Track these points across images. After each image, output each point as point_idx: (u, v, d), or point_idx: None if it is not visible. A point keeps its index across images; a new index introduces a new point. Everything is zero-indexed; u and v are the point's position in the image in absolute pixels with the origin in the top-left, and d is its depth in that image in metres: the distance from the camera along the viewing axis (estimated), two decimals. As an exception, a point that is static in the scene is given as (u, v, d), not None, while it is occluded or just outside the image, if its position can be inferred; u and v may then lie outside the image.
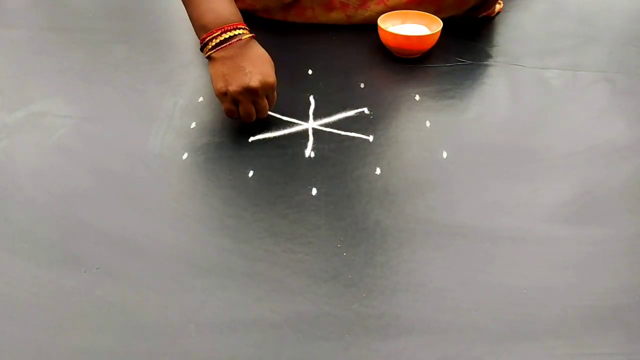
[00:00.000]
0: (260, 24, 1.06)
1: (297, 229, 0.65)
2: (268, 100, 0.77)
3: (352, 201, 0.69)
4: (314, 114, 0.84)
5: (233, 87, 0.73)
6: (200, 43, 0.75)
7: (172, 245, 0.63)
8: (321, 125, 0.81)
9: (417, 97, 0.87)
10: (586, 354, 0.53)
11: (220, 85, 0.74)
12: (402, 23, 0.99)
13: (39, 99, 0.87)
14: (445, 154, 0.76)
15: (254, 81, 0.72)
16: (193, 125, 0.81)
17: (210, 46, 0.74)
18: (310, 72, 0.94)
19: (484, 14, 1.08)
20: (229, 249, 0.63)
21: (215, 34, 0.73)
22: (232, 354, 0.53)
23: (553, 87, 0.90)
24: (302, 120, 0.82)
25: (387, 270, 0.60)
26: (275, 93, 0.78)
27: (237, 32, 0.74)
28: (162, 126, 0.81)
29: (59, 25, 1.10)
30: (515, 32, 1.07)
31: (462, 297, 0.58)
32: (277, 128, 0.81)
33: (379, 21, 0.97)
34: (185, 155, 0.75)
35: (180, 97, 0.87)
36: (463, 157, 0.75)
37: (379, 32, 0.97)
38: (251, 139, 0.79)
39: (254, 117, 0.77)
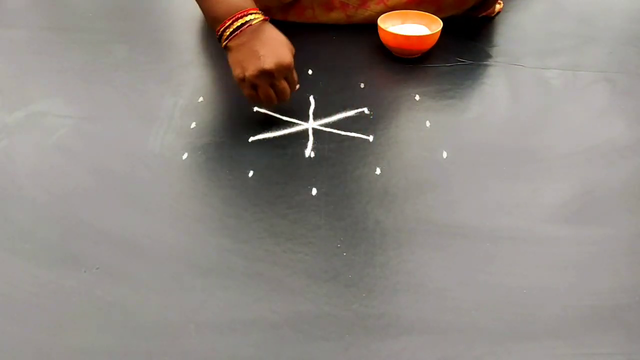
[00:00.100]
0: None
1: (297, 229, 0.65)
2: (288, 82, 0.77)
3: (352, 201, 0.69)
4: (314, 114, 0.84)
5: (249, 72, 0.73)
6: (216, 36, 0.76)
7: (172, 245, 0.63)
8: (321, 125, 0.81)
9: (417, 97, 0.87)
10: (586, 354, 0.53)
11: (238, 71, 0.74)
12: (402, 23, 0.99)
13: (39, 99, 0.87)
14: (445, 154, 0.76)
15: (268, 64, 0.72)
16: (193, 125, 0.81)
17: (224, 36, 0.75)
18: (310, 72, 0.94)
19: (484, 14, 1.08)
20: (229, 249, 0.63)
21: (227, 24, 0.74)
22: (232, 354, 0.53)
23: (553, 87, 0.90)
24: (302, 120, 0.82)
25: (387, 270, 0.60)
26: (295, 74, 0.77)
27: (248, 17, 0.74)
28: (162, 126, 0.81)
29: (59, 25, 1.10)
30: (515, 32, 1.07)
31: (462, 297, 0.58)
32: (277, 128, 0.81)
33: (379, 21, 0.97)
34: (185, 155, 0.75)
35: (180, 97, 0.87)
36: (463, 157, 0.75)
37: (379, 32, 0.97)
38: (251, 139, 0.79)
39: (275, 100, 0.77)
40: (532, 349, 0.53)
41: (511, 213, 0.67)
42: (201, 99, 0.87)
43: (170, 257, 0.62)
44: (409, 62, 0.96)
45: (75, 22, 1.10)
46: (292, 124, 0.82)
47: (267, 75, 0.73)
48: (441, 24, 0.96)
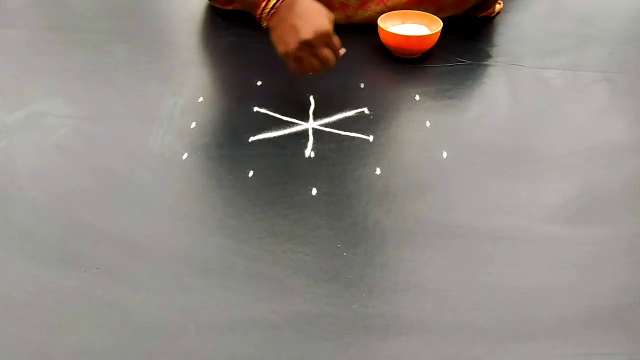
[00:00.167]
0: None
1: (297, 229, 0.65)
2: (331, 49, 0.78)
3: (352, 201, 0.69)
4: (314, 114, 0.84)
5: (290, 46, 0.74)
6: (257, 20, 0.78)
7: (172, 245, 0.63)
8: (321, 125, 0.81)
9: (417, 97, 0.87)
10: (586, 354, 0.53)
11: (281, 48, 0.76)
12: (402, 23, 0.99)
13: (39, 99, 0.87)
14: (445, 154, 0.76)
15: (307, 34, 0.73)
16: (193, 125, 0.81)
17: (264, 18, 0.77)
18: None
19: (484, 14, 1.08)
20: (229, 249, 0.63)
21: (262, 5, 0.77)
22: (232, 354, 0.53)
23: (553, 87, 0.90)
24: (302, 120, 0.82)
25: (387, 270, 0.60)
26: (335, 39, 0.78)
27: None
28: (162, 126, 0.81)
29: (59, 25, 1.10)
30: (515, 32, 1.07)
31: (462, 297, 0.58)
32: (277, 128, 0.81)
33: (379, 21, 0.97)
34: (185, 155, 0.75)
35: (180, 97, 0.87)
36: (463, 157, 0.75)
37: (379, 32, 0.97)
38: (251, 139, 0.79)
39: (321, 70, 0.78)
40: (532, 349, 0.53)
41: (511, 213, 0.67)
42: (201, 99, 0.87)
43: (170, 257, 0.62)
44: (409, 62, 0.96)
45: (75, 22, 1.10)
46: (292, 124, 0.82)
47: (307, 45, 0.74)
48: (441, 24, 0.96)
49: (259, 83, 0.90)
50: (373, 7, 1.03)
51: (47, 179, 0.72)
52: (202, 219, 0.66)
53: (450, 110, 0.85)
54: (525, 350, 0.53)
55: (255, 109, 0.84)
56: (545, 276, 0.60)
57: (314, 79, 0.91)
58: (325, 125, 0.82)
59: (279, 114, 0.83)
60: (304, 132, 0.80)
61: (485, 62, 0.97)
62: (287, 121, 0.82)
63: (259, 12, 0.77)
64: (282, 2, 0.76)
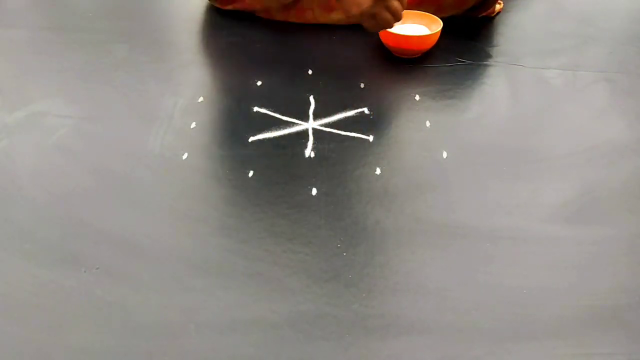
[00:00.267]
0: (261, 24, 1.06)
1: (297, 229, 0.65)
2: (400, 1, 0.84)
3: (352, 201, 0.69)
4: (314, 114, 0.84)
5: (364, 5, 0.81)
6: None
7: (172, 245, 0.63)
8: (321, 125, 0.81)
9: (417, 97, 0.87)
10: (586, 354, 0.53)
11: (354, 9, 0.83)
12: (402, 23, 0.99)
13: (39, 99, 0.87)
14: (445, 154, 0.76)
15: None
16: (193, 125, 0.81)
17: None
18: (310, 72, 0.94)
19: (484, 14, 1.07)
20: (229, 249, 0.63)
21: None
22: (232, 354, 0.53)
23: (553, 87, 0.90)
24: (302, 120, 0.82)
25: (387, 270, 0.60)
26: None
27: None
28: (162, 126, 0.81)
29: (59, 25, 1.10)
30: (515, 32, 1.06)
31: (462, 297, 0.58)
32: (277, 128, 0.81)
33: (379, 21, 0.97)
34: (185, 155, 0.75)
35: (180, 97, 0.87)
36: (463, 157, 0.75)
37: (379, 32, 0.96)
38: (251, 139, 0.79)
39: (393, 22, 0.85)
40: (532, 349, 0.53)
41: (511, 213, 0.67)
42: (201, 99, 0.87)
43: (170, 257, 0.62)
44: (409, 62, 0.96)
45: (75, 22, 1.10)
46: (292, 124, 0.82)
47: (379, 0, 0.81)
48: (441, 24, 0.96)
49: (259, 83, 0.90)
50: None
51: (47, 179, 0.72)
52: (202, 219, 0.66)
53: (450, 110, 0.85)
54: (525, 350, 0.53)
55: (255, 109, 0.84)
56: (545, 276, 0.60)
57: (314, 79, 0.91)
58: (325, 125, 0.82)
59: (279, 114, 0.83)
60: (304, 132, 0.80)
61: (485, 62, 0.97)
62: (287, 121, 0.82)
63: None
64: None
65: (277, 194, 0.70)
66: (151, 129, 0.80)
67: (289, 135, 0.80)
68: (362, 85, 0.91)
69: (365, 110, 0.85)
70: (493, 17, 1.10)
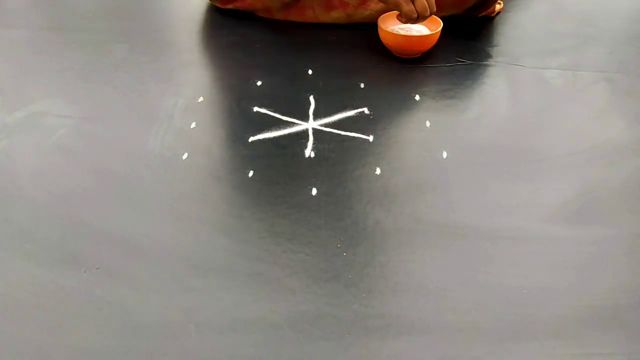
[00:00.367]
0: (261, 24, 1.06)
1: (297, 229, 0.65)
2: None
3: (352, 201, 0.69)
4: (314, 114, 0.84)
5: None
6: None
7: (172, 245, 0.63)
8: (321, 125, 0.81)
9: (417, 97, 0.87)
10: (586, 354, 0.53)
11: None
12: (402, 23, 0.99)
13: (39, 99, 0.87)
14: (445, 154, 0.76)
15: None
16: (193, 125, 0.81)
17: None
18: (310, 72, 0.94)
19: (484, 13, 1.07)
20: (229, 249, 0.63)
21: None
22: (232, 354, 0.53)
23: (553, 87, 0.90)
24: (302, 120, 0.82)
25: (387, 270, 0.60)
26: None
27: None
28: (162, 126, 0.81)
29: (59, 25, 1.10)
30: (515, 32, 1.07)
31: (462, 297, 0.58)
32: (277, 128, 0.81)
33: (379, 21, 0.97)
34: (185, 155, 0.75)
35: (180, 97, 0.87)
36: (463, 157, 0.75)
37: (379, 32, 0.96)
38: (251, 139, 0.79)
39: (428, 10, 0.88)
40: (532, 349, 0.53)
41: (511, 213, 0.67)
42: (201, 99, 0.87)
43: (170, 257, 0.62)
44: (409, 62, 0.96)
45: (75, 22, 1.10)
46: (292, 124, 0.82)
47: None
48: (441, 24, 0.96)
49: (259, 83, 0.90)
50: (373, 6, 1.03)
51: (47, 179, 0.72)
52: (202, 219, 0.66)
53: (450, 110, 0.85)
54: (525, 350, 0.53)
55: (255, 109, 0.84)
56: (545, 276, 0.60)
57: (314, 79, 0.91)
58: (325, 125, 0.82)
59: (279, 114, 0.83)
60: (304, 132, 0.80)
61: (485, 62, 0.97)
62: (287, 121, 0.82)
63: None
64: None
65: (277, 194, 0.70)
66: (151, 129, 0.80)
67: (289, 135, 0.80)
68: (362, 85, 0.91)
69: (365, 110, 0.85)
70: (493, 17, 1.10)
